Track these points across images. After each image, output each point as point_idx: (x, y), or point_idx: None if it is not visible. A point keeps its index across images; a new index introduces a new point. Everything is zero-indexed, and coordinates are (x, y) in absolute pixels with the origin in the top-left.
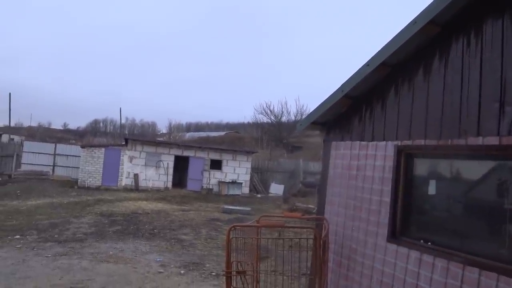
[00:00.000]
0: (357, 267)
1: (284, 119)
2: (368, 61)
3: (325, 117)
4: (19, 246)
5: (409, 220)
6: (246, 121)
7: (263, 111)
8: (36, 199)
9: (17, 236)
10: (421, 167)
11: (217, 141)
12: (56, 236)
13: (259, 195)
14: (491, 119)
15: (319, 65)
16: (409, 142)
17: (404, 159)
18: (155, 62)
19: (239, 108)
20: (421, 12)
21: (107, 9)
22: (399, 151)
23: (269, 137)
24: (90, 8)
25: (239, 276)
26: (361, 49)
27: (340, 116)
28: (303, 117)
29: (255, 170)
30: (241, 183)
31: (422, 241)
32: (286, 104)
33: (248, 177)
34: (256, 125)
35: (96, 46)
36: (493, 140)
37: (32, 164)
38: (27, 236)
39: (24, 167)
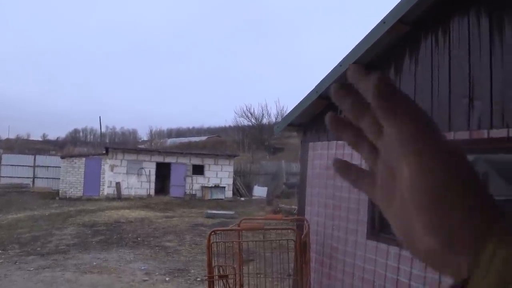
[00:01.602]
0: (339, 265)
1: (265, 121)
2: (340, 61)
3: (302, 119)
4: (0, 261)
5: None
6: (227, 125)
7: (243, 114)
8: (16, 213)
9: None
10: None
11: (199, 146)
12: (38, 249)
13: (242, 199)
14: (461, 115)
15: (300, 66)
16: None
17: None
18: (134, 68)
19: (220, 112)
20: (390, 12)
21: (85, 16)
22: None
23: (250, 140)
24: (67, 16)
25: (221, 281)
26: (345, 50)
27: (316, 117)
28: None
29: (237, 173)
30: (224, 187)
31: None
32: (266, 106)
33: (231, 181)
34: (237, 129)
35: (75, 54)
36: (463, 135)
37: (12, 177)
38: (9, 250)
39: (3, 180)
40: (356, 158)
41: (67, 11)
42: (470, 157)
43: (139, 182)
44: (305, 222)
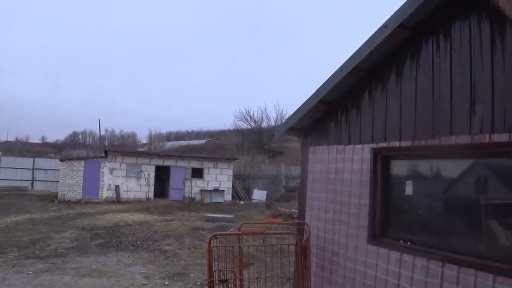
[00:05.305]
0: (340, 270)
1: (264, 125)
2: (341, 65)
3: (302, 123)
4: None
5: (388, 221)
6: (226, 128)
7: (243, 117)
8: (15, 216)
9: None
10: (398, 168)
11: (198, 149)
12: (37, 252)
13: (242, 202)
14: (462, 119)
15: (299, 70)
16: (384, 144)
17: (381, 161)
18: (134, 72)
19: (219, 115)
20: (391, 16)
21: (85, 21)
22: (375, 153)
23: (250, 144)
24: (69, 22)
25: (221, 285)
26: (346, 54)
27: (316, 121)
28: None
29: (237, 177)
30: (223, 190)
31: (401, 241)
32: (265, 109)
33: (230, 184)
34: (237, 132)
35: (74, 58)
36: (465, 139)
37: (11, 179)
38: (7, 254)
39: (2, 183)
40: (356, 163)
41: (69, 15)
42: (470, 162)
43: (138, 185)
44: (305, 226)
